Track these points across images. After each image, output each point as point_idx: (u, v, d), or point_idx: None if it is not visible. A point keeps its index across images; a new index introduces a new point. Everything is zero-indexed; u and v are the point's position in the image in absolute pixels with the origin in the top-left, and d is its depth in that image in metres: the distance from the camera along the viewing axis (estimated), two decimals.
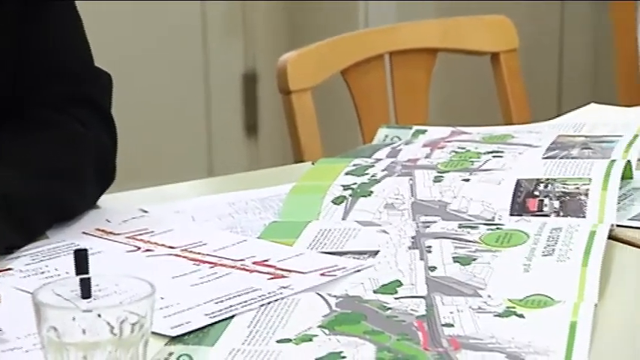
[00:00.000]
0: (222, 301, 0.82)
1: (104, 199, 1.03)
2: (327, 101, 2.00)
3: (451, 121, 1.50)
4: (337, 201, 1.03)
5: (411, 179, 1.06)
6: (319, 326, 0.79)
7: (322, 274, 0.88)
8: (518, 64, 1.50)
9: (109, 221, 0.97)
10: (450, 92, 2.65)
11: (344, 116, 1.68)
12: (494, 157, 1.12)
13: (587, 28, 2.75)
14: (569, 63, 2.85)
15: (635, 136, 1.16)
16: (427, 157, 1.13)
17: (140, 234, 0.95)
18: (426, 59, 1.48)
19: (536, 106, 1.85)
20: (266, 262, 0.90)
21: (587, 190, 1.01)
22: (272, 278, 0.87)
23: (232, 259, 0.90)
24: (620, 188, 1.04)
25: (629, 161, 1.07)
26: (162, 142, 2.54)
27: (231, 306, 0.81)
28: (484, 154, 1.13)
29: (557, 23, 2.81)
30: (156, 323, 0.76)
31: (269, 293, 0.84)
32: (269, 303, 0.82)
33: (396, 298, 0.85)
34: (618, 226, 0.97)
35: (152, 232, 0.96)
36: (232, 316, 0.80)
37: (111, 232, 0.96)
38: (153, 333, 0.75)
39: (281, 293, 0.84)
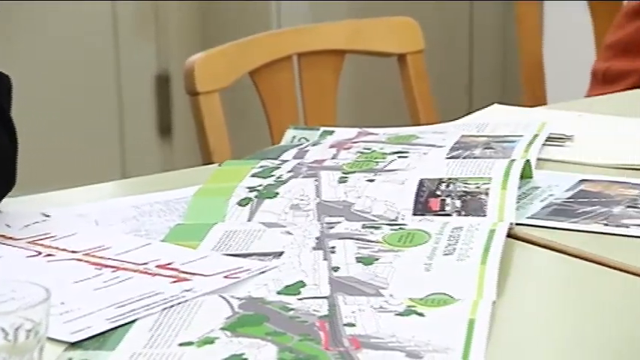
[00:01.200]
0: (123, 306, 0.82)
1: (5, 203, 1.02)
2: (237, 103, 2.00)
3: (360, 121, 1.52)
4: (243, 203, 1.04)
5: (316, 180, 1.07)
6: (221, 328, 0.80)
7: (226, 277, 0.88)
8: (424, 66, 1.53)
9: (8, 226, 0.97)
10: (359, 93, 2.67)
11: (254, 118, 1.69)
12: (399, 157, 1.14)
13: (496, 27, 2.80)
14: (479, 63, 2.90)
15: (535, 136, 1.19)
16: (333, 157, 1.15)
17: (41, 239, 0.94)
18: (333, 60, 1.49)
19: (448, 107, 1.88)
20: (169, 266, 0.90)
21: (488, 189, 1.03)
22: (175, 281, 0.87)
23: (135, 263, 0.90)
24: (520, 187, 1.07)
25: (528, 161, 1.09)
26: (74, 145, 2.52)
27: (132, 310, 0.81)
28: (389, 154, 1.15)
29: (467, 23, 2.86)
30: (55, 329, 0.76)
31: (172, 296, 0.84)
32: (172, 306, 0.83)
33: (299, 299, 0.85)
34: (517, 224, 0.99)
35: (54, 236, 0.95)
36: (134, 321, 0.80)
37: (11, 238, 0.95)
38: (52, 339, 0.75)
39: (184, 296, 0.84)
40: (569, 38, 2.32)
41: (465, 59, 2.89)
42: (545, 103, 1.81)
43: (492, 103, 1.36)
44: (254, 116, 1.62)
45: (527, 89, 1.82)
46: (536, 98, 1.80)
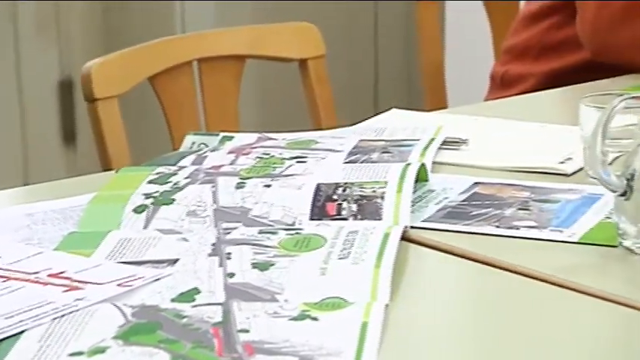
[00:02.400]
0: (11, 317, 0.81)
1: None
2: (138, 108, 1.99)
3: (264, 127, 1.52)
4: (138, 210, 1.03)
5: (213, 186, 1.07)
6: (113, 337, 0.79)
7: (119, 285, 0.88)
8: (325, 70, 1.54)
9: None
10: (263, 98, 2.67)
11: (155, 123, 1.68)
12: (297, 162, 1.14)
13: (400, 30, 2.82)
14: (384, 66, 2.92)
15: (432, 140, 1.21)
16: (232, 163, 1.15)
17: None
18: (234, 66, 1.49)
19: (354, 111, 1.90)
20: (62, 274, 0.89)
21: (384, 193, 1.04)
22: (67, 290, 0.86)
23: (26, 272, 0.89)
24: (416, 191, 1.08)
25: (423, 164, 1.11)
26: None
27: (21, 321, 0.80)
28: (288, 159, 1.15)
29: (372, 26, 2.88)
30: None
31: (63, 306, 0.83)
32: (63, 316, 0.82)
33: (193, 306, 0.85)
34: (412, 227, 1.01)
35: None
36: (23, 332, 0.79)
37: None
38: None
39: (76, 305, 0.83)
40: (470, 42, 2.36)
41: (370, 63, 2.91)
42: (446, 106, 1.84)
43: (399, 106, 1.38)
44: (155, 122, 1.62)
45: (429, 92, 1.85)
46: (437, 101, 1.82)
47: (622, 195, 0.91)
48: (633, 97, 0.90)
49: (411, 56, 2.79)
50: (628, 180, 0.91)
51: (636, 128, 0.92)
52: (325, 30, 2.48)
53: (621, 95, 0.93)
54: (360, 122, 1.32)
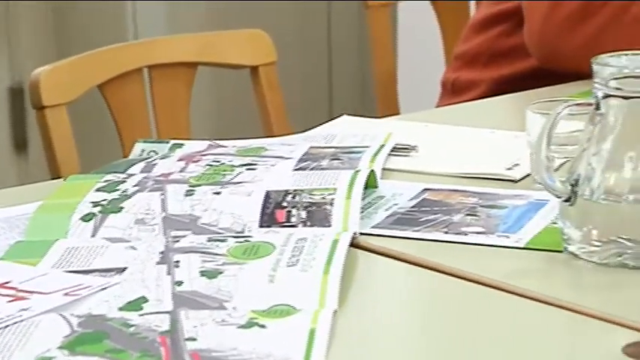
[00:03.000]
0: None
1: None
2: (88, 115, 1.97)
3: (217, 134, 1.52)
4: (86, 218, 1.03)
5: (162, 194, 1.07)
6: (59, 347, 0.79)
7: (66, 294, 0.87)
8: (276, 77, 1.54)
9: None
10: (215, 105, 2.67)
11: (105, 131, 1.67)
12: (247, 169, 1.14)
13: (354, 37, 2.83)
14: (338, 73, 2.93)
15: (381, 147, 1.21)
16: (181, 171, 1.14)
17: None
18: (185, 73, 1.49)
19: (308, 117, 1.90)
20: (7, 284, 0.88)
21: (333, 199, 1.05)
22: (12, 301, 0.85)
23: None
24: (365, 197, 1.08)
25: (372, 171, 1.11)
26: None
27: None
28: (238, 167, 1.15)
29: (325, 31, 2.88)
30: None
31: (7, 316, 0.82)
32: (7, 327, 0.81)
33: (140, 315, 0.85)
34: (362, 234, 1.01)
35: None
36: None
37: None
38: None
39: (20, 316, 0.83)
40: (423, 48, 2.37)
41: (323, 69, 2.92)
42: (398, 113, 1.85)
43: (353, 112, 1.38)
44: (106, 130, 1.61)
45: (381, 98, 1.85)
46: (389, 107, 1.83)
47: (567, 200, 0.92)
48: (577, 104, 0.91)
49: (364, 62, 2.80)
50: (572, 186, 0.92)
51: (581, 134, 0.93)
52: (279, 36, 2.48)
53: (567, 102, 0.94)
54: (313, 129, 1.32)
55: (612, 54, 0.91)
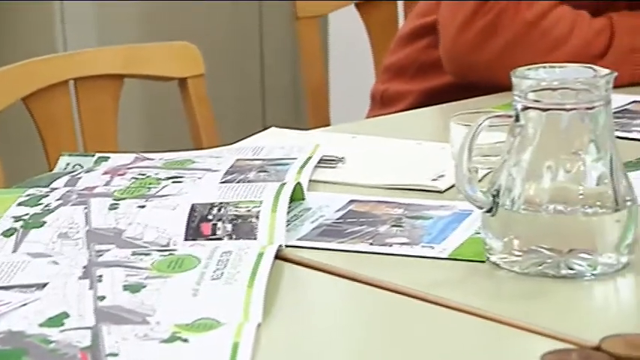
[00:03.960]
0: None
1: None
2: (13, 129, 1.95)
3: (146, 147, 1.51)
4: (7, 233, 1.01)
5: (86, 208, 1.06)
6: None
7: None
8: (205, 89, 1.53)
9: None
10: (145, 118, 2.66)
11: (32, 145, 1.65)
12: (173, 182, 1.14)
13: (286, 47, 2.84)
14: (270, 83, 2.93)
15: (309, 159, 1.21)
16: (106, 184, 1.13)
17: None
18: (111, 85, 1.48)
19: (242, 129, 1.90)
20: None
21: (259, 212, 1.05)
22: None
23: None
24: (292, 210, 1.08)
25: (299, 183, 1.11)
26: None
27: None
28: (164, 179, 1.14)
29: (257, 42, 2.89)
30: None
31: None
32: None
33: (61, 331, 0.84)
34: (288, 246, 1.01)
35: None
36: None
37: None
38: None
39: None
40: (354, 60, 2.38)
41: (256, 81, 2.92)
42: (329, 124, 1.85)
43: (285, 124, 1.38)
44: (31, 143, 1.59)
45: (311, 110, 1.86)
46: (320, 119, 1.84)
47: (488, 211, 0.93)
48: (497, 116, 0.92)
49: (297, 73, 2.81)
50: (494, 196, 0.93)
51: (503, 146, 0.94)
52: (211, 48, 2.48)
53: (489, 113, 0.95)
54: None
55: (531, 66, 0.93)
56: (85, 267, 0.95)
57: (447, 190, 1.13)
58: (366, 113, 1.73)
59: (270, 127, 1.38)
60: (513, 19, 1.45)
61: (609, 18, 1.49)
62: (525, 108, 0.91)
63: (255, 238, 1.01)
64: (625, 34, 1.48)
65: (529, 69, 0.93)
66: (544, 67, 0.93)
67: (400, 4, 1.90)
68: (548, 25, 1.46)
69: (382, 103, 1.66)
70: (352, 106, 2.03)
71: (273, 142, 1.29)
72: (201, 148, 1.47)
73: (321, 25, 2.43)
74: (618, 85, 0.94)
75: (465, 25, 1.46)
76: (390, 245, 1.01)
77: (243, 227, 1.03)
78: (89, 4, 2.61)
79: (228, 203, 1.06)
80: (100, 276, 0.93)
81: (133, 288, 0.91)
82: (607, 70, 0.91)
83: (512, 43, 1.46)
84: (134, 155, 1.25)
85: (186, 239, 1.02)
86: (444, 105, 1.47)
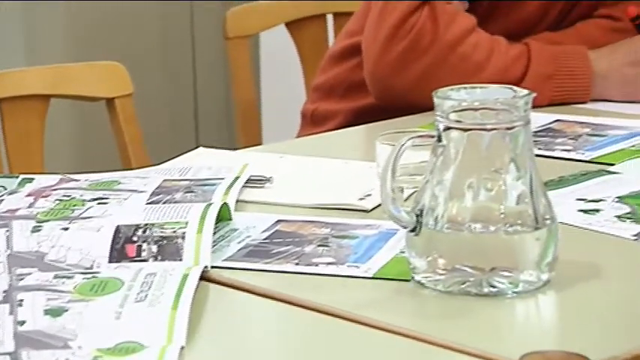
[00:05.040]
0: None
1: None
2: None
3: (75, 167, 1.49)
4: None
5: (7, 230, 1.04)
6: None
7: None
8: (133, 109, 1.52)
9: None
10: (73, 138, 2.63)
11: None
12: (98, 203, 1.13)
13: (219, 66, 2.83)
14: (203, 103, 2.92)
15: (236, 179, 1.21)
16: (30, 206, 1.12)
17: None
18: (37, 106, 1.46)
19: (176, 148, 1.88)
20: None
21: (184, 233, 1.04)
22: None
23: None
24: (219, 230, 1.08)
25: (226, 203, 1.11)
26: None
27: None
28: (89, 201, 1.13)
29: (190, 62, 2.88)
30: None
31: None
32: None
33: None
34: (214, 267, 1.00)
35: None
36: None
37: None
38: None
39: None
40: (285, 79, 2.38)
41: (189, 100, 2.91)
42: (260, 143, 1.85)
43: (218, 143, 1.37)
44: None
45: (242, 129, 1.85)
46: (251, 138, 1.83)
47: (412, 231, 0.94)
48: (420, 136, 0.93)
49: (229, 93, 2.81)
50: (418, 216, 0.93)
51: (426, 165, 0.95)
52: (143, 67, 2.47)
53: (413, 133, 0.95)
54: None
55: (453, 87, 0.93)
56: (5, 291, 0.93)
57: (373, 209, 1.13)
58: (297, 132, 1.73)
59: (202, 146, 1.37)
60: (432, 43, 1.47)
61: (526, 44, 1.52)
62: (447, 128, 0.92)
63: (180, 260, 1.01)
64: (541, 60, 1.50)
65: (451, 89, 0.93)
66: (465, 87, 0.94)
67: (330, 24, 1.91)
68: (466, 50, 1.47)
69: (312, 122, 1.66)
70: (284, 125, 2.03)
71: (200, 162, 1.29)
72: (130, 169, 1.46)
73: (253, 44, 2.44)
74: (538, 106, 0.95)
75: (385, 48, 1.48)
76: (316, 265, 1.00)
77: (168, 248, 1.02)
78: (17, 23, 2.58)
79: (153, 224, 1.06)
80: (21, 300, 0.92)
81: (55, 312, 0.90)
82: (526, 91, 0.92)
83: (432, 67, 1.47)
84: (59, 176, 1.24)
85: (110, 261, 1.01)
86: (372, 124, 1.48)
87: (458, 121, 0.91)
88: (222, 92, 2.89)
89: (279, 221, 1.11)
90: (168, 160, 1.30)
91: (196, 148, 1.36)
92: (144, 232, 1.05)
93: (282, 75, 2.46)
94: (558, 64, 1.51)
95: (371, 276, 0.98)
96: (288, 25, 1.88)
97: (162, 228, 1.05)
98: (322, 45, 1.86)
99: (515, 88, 0.93)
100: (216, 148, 1.38)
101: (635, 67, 1.52)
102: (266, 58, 2.79)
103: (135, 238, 1.03)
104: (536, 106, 0.94)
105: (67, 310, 0.90)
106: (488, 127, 0.91)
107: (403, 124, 1.39)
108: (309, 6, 1.88)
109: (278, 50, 2.23)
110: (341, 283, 0.98)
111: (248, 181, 1.22)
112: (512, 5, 1.55)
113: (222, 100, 2.91)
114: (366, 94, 1.55)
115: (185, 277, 0.96)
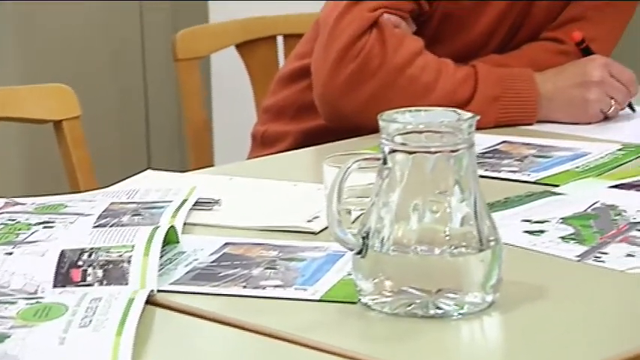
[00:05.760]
0: None
1: None
2: None
3: (24, 191, 1.48)
4: None
5: None
6: None
7: None
8: (81, 131, 1.51)
9: None
10: (22, 162, 2.61)
11: None
12: (44, 227, 1.12)
13: (171, 87, 2.83)
14: (155, 125, 2.92)
15: (184, 201, 1.21)
16: None
17: None
18: None
19: (126, 170, 1.87)
20: None
21: (130, 257, 1.03)
22: None
23: None
24: (166, 253, 1.07)
25: (173, 226, 1.10)
26: None
27: None
28: (34, 225, 1.12)
29: (141, 82, 2.87)
30: None
31: None
32: None
33: None
34: (160, 291, 1.00)
35: None
36: None
37: None
38: None
39: None
40: (237, 100, 2.38)
41: (141, 121, 2.90)
42: (212, 164, 1.85)
43: (171, 166, 1.37)
44: None
45: (193, 151, 1.85)
46: (202, 160, 1.83)
47: (358, 253, 0.94)
48: (365, 159, 0.93)
49: (181, 113, 2.81)
50: (364, 238, 0.93)
51: (372, 188, 0.95)
52: (94, 89, 2.46)
53: (359, 155, 0.96)
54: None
55: (398, 110, 0.94)
56: None
57: (321, 231, 1.13)
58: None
59: (154, 168, 1.37)
60: (381, 65, 1.48)
61: (473, 67, 1.53)
62: (392, 151, 0.92)
63: (126, 284, 1.00)
64: (488, 82, 1.51)
65: (397, 112, 0.94)
66: (410, 110, 0.94)
67: (280, 46, 1.91)
68: (414, 72, 1.48)
69: (262, 143, 1.66)
70: (236, 146, 2.02)
71: (148, 184, 1.28)
72: (79, 192, 1.44)
73: (204, 66, 2.44)
74: (484, 128, 0.96)
75: (334, 70, 1.48)
76: (264, 288, 1.00)
77: (114, 272, 1.01)
78: None
79: (99, 248, 1.05)
80: None
81: None
82: (470, 114, 0.92)
83: (380, 89, 1.48)
84: (4, 200, 1.23)
85: (55, 286, 1.00)
86: (322, 146, 1.48)
87: (403, 144, 0.91)
88: (174, 114, 2.88)
89: (226, 244, 1.10)
90: (120, 181, 1.29)
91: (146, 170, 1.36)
92: (89, 256, 1.04)
93: (234, 96, 2.46)
94: (505, 86, 1.52)
95: (318, 299, 0.98)
96: (238, 46, 1.89)
97: (108, 252, 1.04)
98: (272, 66, 1.86)
99: (459, 111, 0.94)
100: (168, 170, 1.37)
101: (580, 89, 1.53)
102: (217, 80, 2.78)
103: (80, 263, 1.03)
104: (483, 127, 0.95)
105: (9, 337, 0.89)
106: (433, 149, 0.91)
107: (352, 146, 1.39)
108: (259, 27, 1.89)
109: (229, 72, 2.23)
110: (288, 305, 0.97)
111: (196, 203, 1.21)
112: (459, 28, 1.57)
113: (174, 122, 2.91)
114: (315, 115, 1.56)
115: (131, 301, 0.95)
